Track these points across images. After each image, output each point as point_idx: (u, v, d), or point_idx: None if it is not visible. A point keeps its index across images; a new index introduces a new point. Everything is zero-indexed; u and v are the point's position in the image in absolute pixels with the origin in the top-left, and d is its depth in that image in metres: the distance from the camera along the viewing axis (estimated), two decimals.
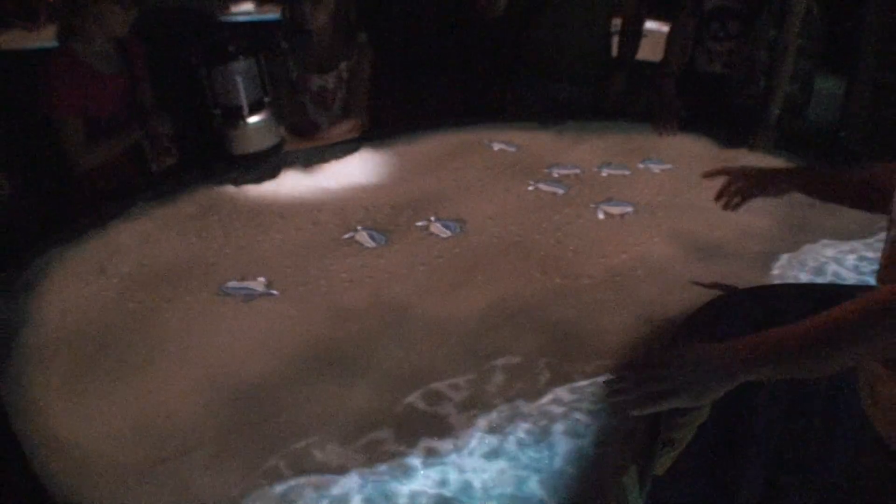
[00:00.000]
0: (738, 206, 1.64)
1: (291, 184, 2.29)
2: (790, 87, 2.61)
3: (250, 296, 1.69)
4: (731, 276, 1.77)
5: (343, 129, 2.73)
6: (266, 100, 2.31)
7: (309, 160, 2.43)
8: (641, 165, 2.44)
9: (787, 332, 1.09)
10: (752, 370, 1.09)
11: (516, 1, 3.11)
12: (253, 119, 2.28)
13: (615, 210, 2.13)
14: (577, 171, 2.40)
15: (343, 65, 2.79)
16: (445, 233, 1.99)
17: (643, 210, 2.14)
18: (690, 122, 2.76)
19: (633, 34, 3.18)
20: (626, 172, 2.39)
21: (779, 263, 1.83)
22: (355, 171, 2.41)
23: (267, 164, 2.34)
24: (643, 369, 1.14)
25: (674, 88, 2.85)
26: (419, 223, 2.03)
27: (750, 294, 1.64)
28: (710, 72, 2.89)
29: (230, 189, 2.22)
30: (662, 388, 1.11)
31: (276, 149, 2.37)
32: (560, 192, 2.25)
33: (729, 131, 2.65)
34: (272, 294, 1.70)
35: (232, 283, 1.73)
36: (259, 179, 2.29)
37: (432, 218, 2.05)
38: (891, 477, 1.24)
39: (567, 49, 3.12)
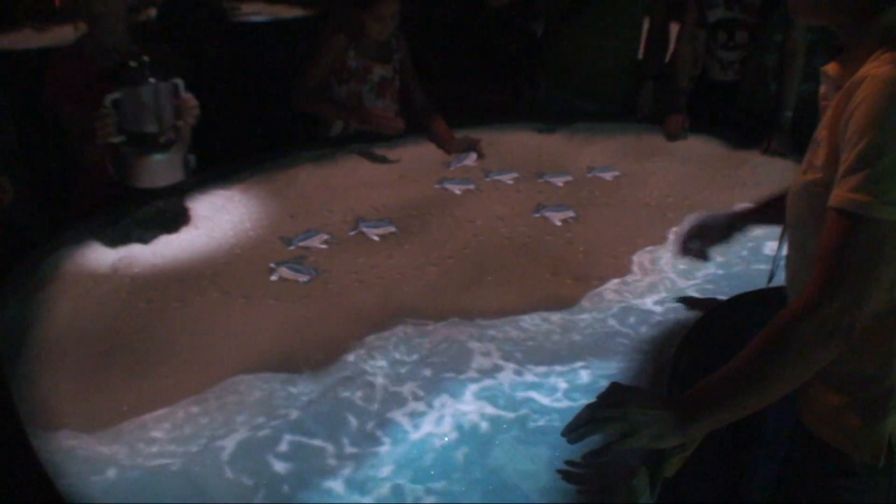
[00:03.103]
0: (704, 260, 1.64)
1: (302, 183, 2.29)
2: (805, 86, 2.56)
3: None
4: (744, 277, 1.76)
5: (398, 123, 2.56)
6: (173, 136, 2.01)
7: (318, 160, 2.44)
8: (590, 175, 2.38)
9: (722, 374, 1.09)
10: (703, 415, 1.08)
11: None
12: (158, 155, 1.99)
13: (558, 215, 2.09)
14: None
15: (396, 56, 2.73)
16: (376, 235, 1.97)
17: (654, 210, 2.14)
18: (706, 129, 2.73)
19: (659, 42, 3.07)
20: (568, 178, 2.34)
21: None
22: (366, 170, 2.41)
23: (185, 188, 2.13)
24: (598, 408, 1.11)
25: (684, 103, 2.80)
26: (352, 232, 1.98)
27: (761, 295, 1.63)
28: (724, 80, 2.86)
29: (240, 188, 2.23)
30: (619, 428, 1.08)
31: (179, 185, 2.09)
32: (470, 187, 2.26)
33: (745, 136, 2.63)
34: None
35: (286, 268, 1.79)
36: (269, 179, 2.30)
37: (363, 226, 2.00)
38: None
39: (594, 65, 2.91)
